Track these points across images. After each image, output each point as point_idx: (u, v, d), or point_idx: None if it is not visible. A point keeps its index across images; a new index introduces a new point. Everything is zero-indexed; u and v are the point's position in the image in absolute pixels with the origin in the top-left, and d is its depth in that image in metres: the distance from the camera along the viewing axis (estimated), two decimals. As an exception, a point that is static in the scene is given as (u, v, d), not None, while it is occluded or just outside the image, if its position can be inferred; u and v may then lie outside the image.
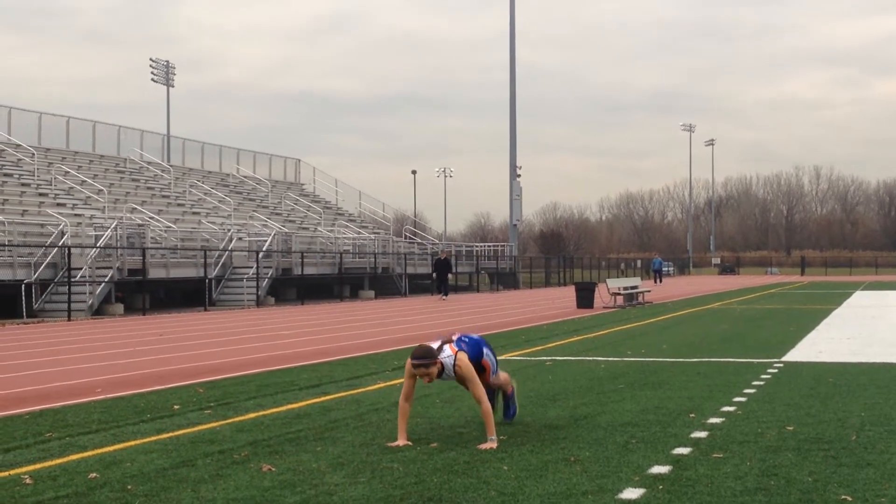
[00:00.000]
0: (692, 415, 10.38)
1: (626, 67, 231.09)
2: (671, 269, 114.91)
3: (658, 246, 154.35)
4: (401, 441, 8.75)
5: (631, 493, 6.89)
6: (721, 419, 10.10)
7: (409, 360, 8.83)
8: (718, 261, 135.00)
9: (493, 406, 9.44)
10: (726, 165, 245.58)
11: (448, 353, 8.90)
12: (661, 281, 75.88)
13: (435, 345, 8.97)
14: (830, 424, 9.75)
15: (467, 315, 32.51)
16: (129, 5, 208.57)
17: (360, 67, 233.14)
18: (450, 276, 48.26)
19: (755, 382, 13.20)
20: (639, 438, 9.00)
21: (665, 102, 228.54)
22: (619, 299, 37.25)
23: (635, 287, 40.43)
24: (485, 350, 9.40)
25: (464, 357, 8.91)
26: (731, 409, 10.82)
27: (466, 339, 9.28)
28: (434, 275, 48.51)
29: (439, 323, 27.98)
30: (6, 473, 7.73)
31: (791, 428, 9.53)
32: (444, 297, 45.98)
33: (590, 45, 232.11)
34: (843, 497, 6.75)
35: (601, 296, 37.38)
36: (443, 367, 8.86)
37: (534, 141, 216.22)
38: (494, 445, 8.54)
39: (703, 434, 9.23)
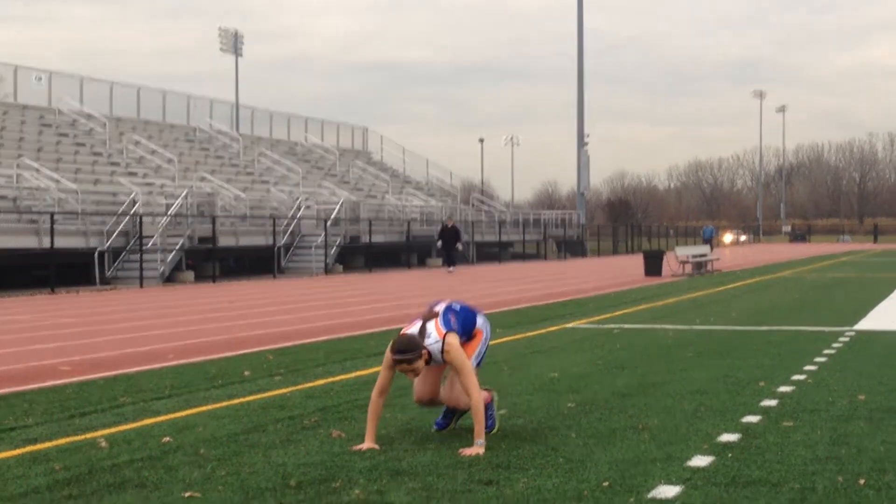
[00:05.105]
0: (762, 383, 10.31)
1: (704, 37, 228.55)
2: (742, 237, 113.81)
3: (728, 214, 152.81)
4: (367, 444, 7.39)
5: (700, 460, 6.87)
6: (791, 388, 10.01)
7: (388, 351, 7.45)
8: (789, 228, 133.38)
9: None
10: (801, 133, 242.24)
11: (434, 337, 7.45)
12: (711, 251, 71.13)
13: (416, 327, 7.52)
14: (903, 394, 9.63)
15: (534, 283, 32.49)
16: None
17: (436, 38, 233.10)
18: (459, 246, 43.13)
19: (826, 351, 13.06)
20: (707, 406, 8.96)
21: (742, 71, 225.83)
22: (688, 267, 37.00)
23: (704, 255, 40.11)
24: (479, 319, 7.94)
25: (454, 340, 7.46)
26: (802, 377, 10.73)
27: (457, 308, 7.79)
28: (440, 243, 43.24)
29: (503, 290, 27.98)
30: (83, 437, 7.88)
31: (862, 397, 9.42)
32: (450, 270, 41.62)
33: (668, 14, 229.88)
34: (916, 467, 6.67)
35: (669, 264, 37.15)
36: (430, 355, 7.45)
37: (604, 110, 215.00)
38: (482, 451, 7.13)
39: (773, 402, 9.16)
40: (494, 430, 7.86)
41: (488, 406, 7.85)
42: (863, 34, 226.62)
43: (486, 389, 7.92)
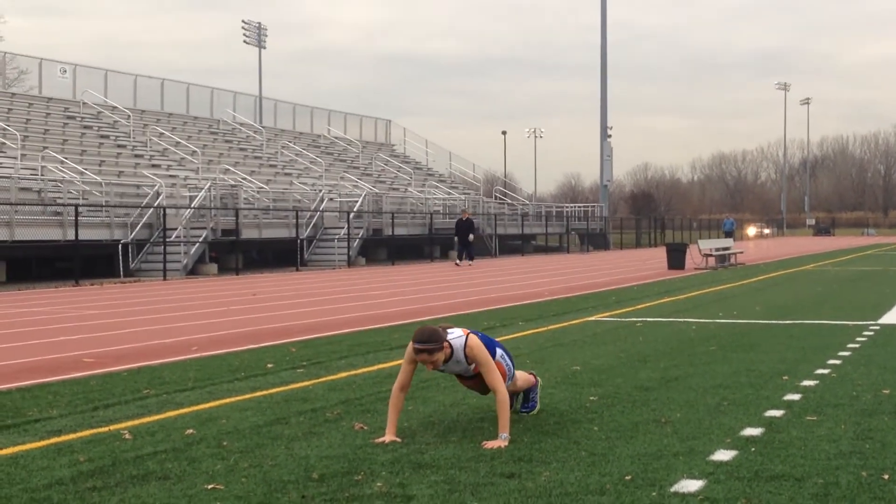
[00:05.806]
0: (785, 377, 10.27)
1: (728, 29, 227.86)
2: (766, 230, 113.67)
3: (751, 207, 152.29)
4: (388, 437, 7.40)
5: (723, 454, 6.85)
6: (815, 382, 9.97)
7: (410, 344, 7.49)
8: (813, 222, 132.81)
9: (512, 403, 8.12)
10: (826, 125, 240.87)
11: (458, 333, 7.60)
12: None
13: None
14: (928, 388, 9.58)
15: (557, 276, 32.45)
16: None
17: (459, 29, 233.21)
18: (471, 237, 42.52)
19: (850, 345, 13.00)
20: (730, 400, 8.93)
21: (766, 63, 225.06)
22: (711, 260, 36.89)
23: (727, 248, 39.98)
24: (498, 350, 7.90)
25: (476, 338, 7.59)
26: (826, 371, 10.68)
27: (478, 333, 7.91)
28: (455, 238, 43.89)
29: (525, 283, 27.97)
30: (107, 429, 7.92)
31: (887, 391, 9.38)
32: (469, 263, 41.28)
33: (691, 3, 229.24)
34: (941, 462, 6.63)
35: (692, 257, 37.04)
36: (452, 351, 7.50)
37: (627, 102, 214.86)
38: (505, 444, 7.15)
39: (796, 397, 9.13)
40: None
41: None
42: (888, 25, 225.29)
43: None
